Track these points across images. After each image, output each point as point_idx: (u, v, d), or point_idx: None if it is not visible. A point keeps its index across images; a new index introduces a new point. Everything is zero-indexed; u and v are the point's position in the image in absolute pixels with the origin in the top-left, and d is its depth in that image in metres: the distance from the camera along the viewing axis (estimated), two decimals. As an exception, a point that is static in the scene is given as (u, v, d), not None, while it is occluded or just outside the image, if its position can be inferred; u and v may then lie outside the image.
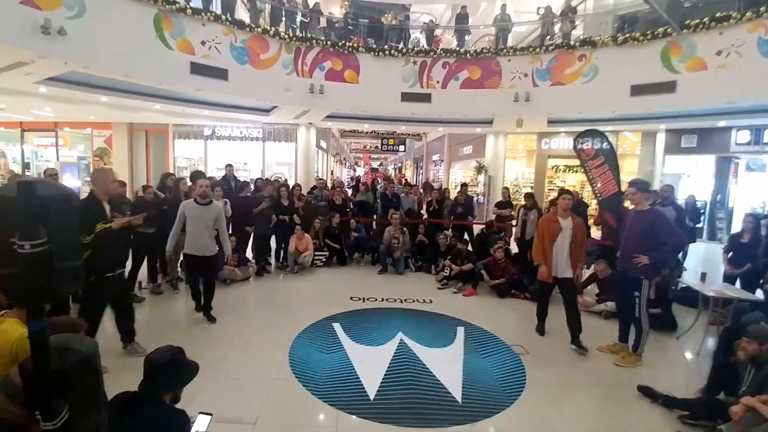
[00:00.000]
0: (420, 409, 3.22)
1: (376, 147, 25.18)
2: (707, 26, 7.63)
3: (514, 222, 7.71)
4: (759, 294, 4.56)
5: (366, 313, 5.22)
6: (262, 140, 13.85)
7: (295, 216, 7.05)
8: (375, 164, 39.36)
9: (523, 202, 7.28)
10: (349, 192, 10.42)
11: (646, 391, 3.36)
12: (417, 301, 5.68)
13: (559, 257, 4.26)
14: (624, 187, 5.30)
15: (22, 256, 0.85)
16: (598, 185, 5.97)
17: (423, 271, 7.20)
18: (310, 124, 13.17)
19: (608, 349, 4.18)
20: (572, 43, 9.35)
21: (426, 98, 10.18)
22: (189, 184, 5.80)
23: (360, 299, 5.65)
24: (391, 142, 19.84)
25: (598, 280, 5.50)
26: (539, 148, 13.59)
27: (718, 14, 7.54)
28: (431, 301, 5.67)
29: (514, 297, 5.88)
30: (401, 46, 10.62)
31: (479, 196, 13.52)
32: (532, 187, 12.92)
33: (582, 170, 6.89)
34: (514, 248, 7.41)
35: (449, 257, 6.67)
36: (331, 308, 5.22)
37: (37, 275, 0.87)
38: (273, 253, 7.32)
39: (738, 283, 4.97)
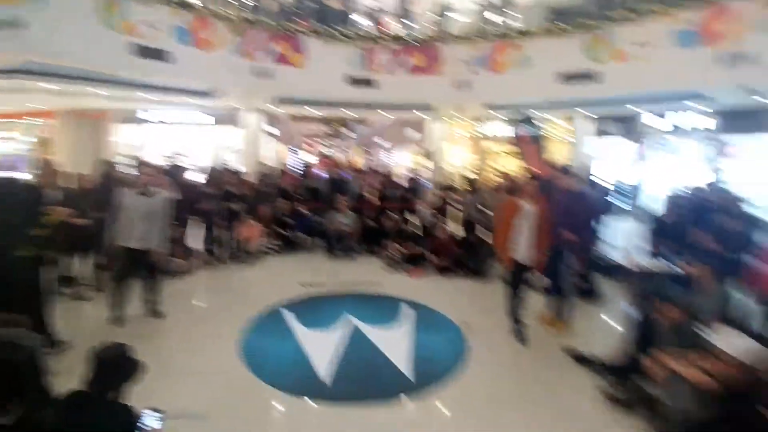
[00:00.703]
0: (372, 387, 3.28)
1: (326, 132, 24.67)
2: (629, 19, 8.13)
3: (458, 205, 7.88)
4: (677, 269, 4.95)
5: (316, 299, 5.16)
6: (207, 125, 13.01)
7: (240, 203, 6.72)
8: (325, 150, 38.52)
9: (466, 187, 7.45)
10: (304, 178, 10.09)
11: (573, 354, 3.62)
12: (366, 284, 5.69)
13: (522, 242, 4.02)
14: (551, 170, 5.51)
15: None
16: (532, 169, 6.23)
17: (372, 254, 7.19)
18: (258, 108, 12.54)
19: (542, 320, 4.44)
20: (508, 33, 9.59)
21: (372, 83, 10.03)
22: (127, 171, 5.34)
23: (310, 285, 5.55)
24: (339, 126, 19.45)
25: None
26: (479, 133, 13.96)
27: (638, 8, 8.06)
28: (380, 284, 5.71)
29: (458, 275, 6.05)
30: (348, 30, 10.32)
31: (425, 181, 13.69)
32: (474, 172, 13.31)
33: (520, 156, 7.17)
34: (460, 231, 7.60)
35: (397, 240, 6.71)
36: (282, 295, 5.10)
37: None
38: (221, 242, 6.94)
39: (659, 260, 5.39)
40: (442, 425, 2.92)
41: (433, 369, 3.55)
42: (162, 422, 1.81)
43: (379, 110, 13.08)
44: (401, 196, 8.08)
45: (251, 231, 6.72)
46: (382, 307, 4.90)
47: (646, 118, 10.95)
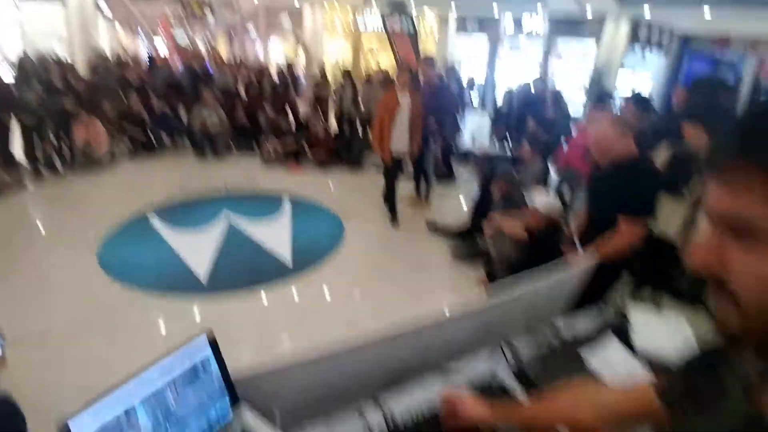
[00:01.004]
0: (253, 278, 3.37)
1: (180, 16, 20.34)
2: None
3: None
4: (509, 151, 5.89)
5: (186, 201, 4.82)
6: (15, 4, 9.55)
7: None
8: (180, 37, 32.21)
9: (341, 80, 7.22)
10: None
11: (432, 226, 4.22)
12: (242, 182, 5.47)
13: (399, 134, 4.12)
14: (421, 64, 5.69)
15: None
16: (405, 61, 6.32)
17: (246, 153, 6.78)
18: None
19: (408, 201, 4.96)
20: None
21: None
22: None
23: (178, 188, 5.11)
24: (196, 8, 16.20)
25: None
26: (355, 25, 13.20)
27: None
28: (257, 181, 5.55)
29: (335, 168, 6.18)
30: None
31: (300, 73, 12.81)
32: (349, 65, 12.86)
33: (393, 49, 7.11)
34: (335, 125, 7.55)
35: (273, 136, 6.41)
36: (145, 202, 4.62)
37: None
38: (55, 148, 5.71)
39: (496, 144, 6.30)
40: (320, 300, 3.23)
41: (312, 254, 3.78)
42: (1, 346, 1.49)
43: None
44: (275, 90, 7.50)
45: (93, 132, 5.64)
46: (260, 204, 4.85)
47: (504, 19, 11.60)
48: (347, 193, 5.37)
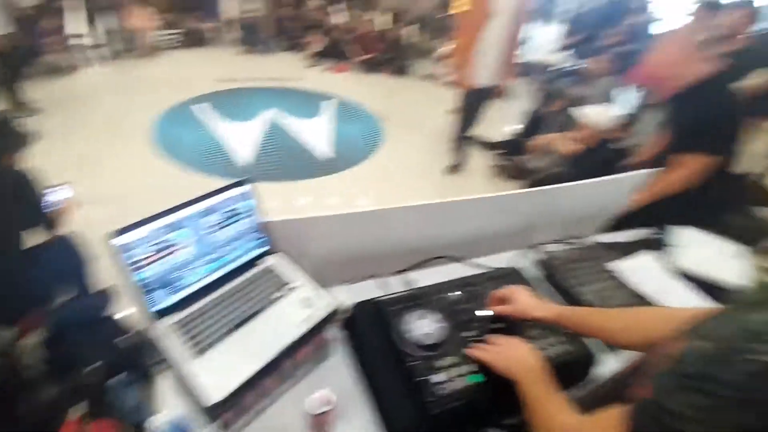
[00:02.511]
0: (293, 169, 3.48)
1: None
2: None
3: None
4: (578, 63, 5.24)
5: (232, 93, 4.84)
6: None
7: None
8: None
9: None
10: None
11: (478, 140, 4.04)
12: (287, 80, 5.36)
13: (490, 55, 2.87)
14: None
15: None
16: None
17: (293, 49, 6.54)
18: None
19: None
20: None
21: None
22: None
23: (225, 80, 5.10)
24: None
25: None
26: None
27: None
28: (301, 79, 5.42)
29: (381, 71, 5.89)
30: None
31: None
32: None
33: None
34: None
35: (319, 33, 6.08)
36: (194, 91, 4.69)
37: None
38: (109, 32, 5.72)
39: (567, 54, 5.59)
40: (361, 188, 3.33)
41: (353, 152, 3.80)
42: (70, 193, 1.69)
43: None
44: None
45: (141, 19, 5.57)
46: (303, 101, 4.80)
47: None
48: (388, 97, 5.17)
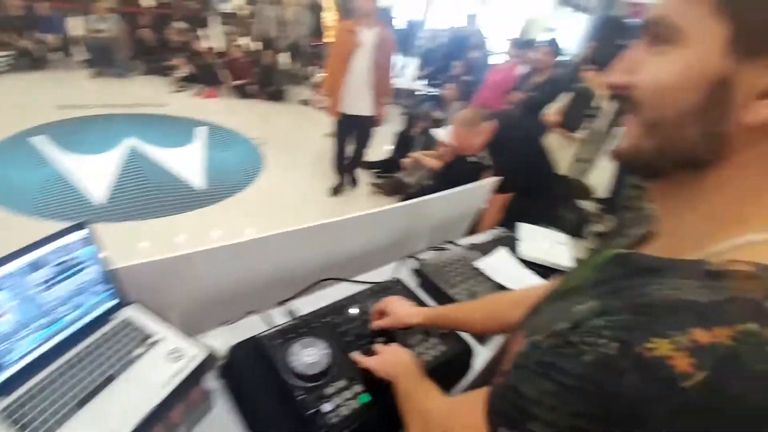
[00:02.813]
0: (161, 202, 3.08)
1: None
2: None
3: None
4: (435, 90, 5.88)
5: (81, 122, 4.12)
6: None
7: None
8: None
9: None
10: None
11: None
12: (148, 105, 4.79)
13: (355, 86, 2.93)
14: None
15: None
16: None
17: (155, 73, 5.90)
18: None
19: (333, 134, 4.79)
20: None
21: None
22: None
23: (70, 107, 4.32)
24: None
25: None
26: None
27: None
28: (166, 105, 4.90)
29: (256, 98, 5.70)
30: None
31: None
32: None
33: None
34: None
35: (185, 56, 5.61)
36: (30, 120, 3.86)
37: None
38: None
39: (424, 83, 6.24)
40: (245, 217, 3.09)
41: (232, 180, 3.54)
42: None
43: None
44: (188, 5, 6.45)
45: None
46: (171, 129, 4.33)
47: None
48: (265, 121, 5.02)
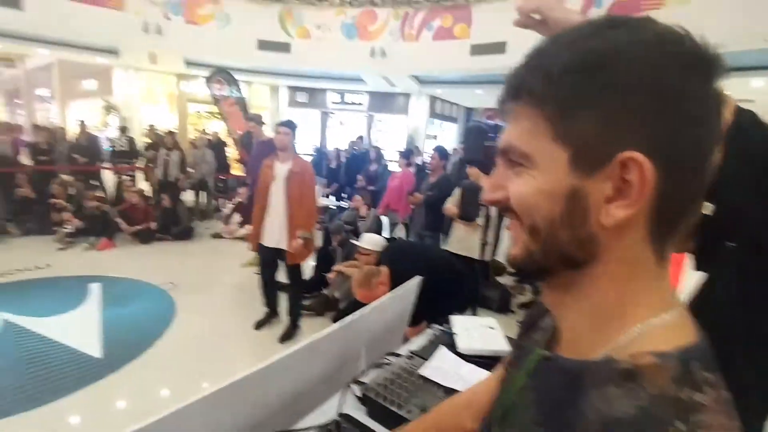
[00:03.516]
0: (46, 384, 2.51)
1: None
2: (310, 2, 9.01)
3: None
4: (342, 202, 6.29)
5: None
6: None
7: None
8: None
9: (166, 144, 6.54)
10: None
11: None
12: (26, 269, 4.21)
13: (272, 219, 2.97)
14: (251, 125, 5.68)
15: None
16: (231, 125, 6.16)
17: (34, 234, 5.34)
18: None
19: (249, 263, 4.62)
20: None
21: (14, 2, 6.97)
22: None
23: None
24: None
25: (240, 208, 5.84)
26: (180, 91, 12.47)
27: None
28: (49, 266, 4.35)
29: (160, 240, 5.41)
30: None
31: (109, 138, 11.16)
32: (173, 130, 11.89)
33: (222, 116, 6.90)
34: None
35: (73, 209, 5.24)
36: None
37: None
38: None
39: (331, 197, 6.66)
40: (159, 376, 2.66)
41: (131, 339, 3.08)
42: None
43: (30, 43, 9.30)
44: (72, 155, 6.28)
45: None
46: (55, 293, 3.77)
47: (329, 93, 12.84)
48: (175, 263, 4.71)
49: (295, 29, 9.38)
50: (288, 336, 3.21)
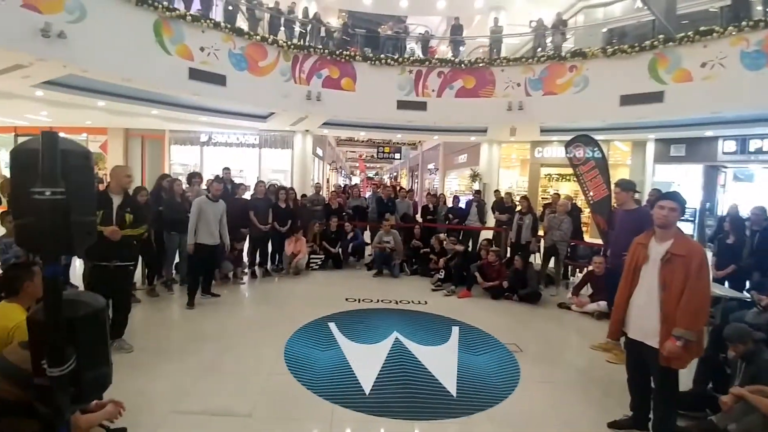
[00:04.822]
0: (415, 402, 3.23)
1: (372, 156, 25.38)
2: (692, 39, 7.89)
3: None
4: (746, 294, 4.65)
5: (361, 314, 5.24)
6: (258, 147, 13.91)
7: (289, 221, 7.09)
8: (371, 173, 39.59)
9: (521, 208, 7.34)
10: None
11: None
12: (412, 302, 5.71)
13: (639, 306, 2.64)
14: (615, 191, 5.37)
15: (42, 203, 0.88)
16: (590, 192, 6.04)
17: (418, 275, 7.24)
18: (307, 131, 13.27)
19: (600, 347, 4.23)
20: (563, 54, 9.59)
21: (421, 106, 10.33)
22: (185, 185, 6.06)
23: (355, 300, 5.67)
24: (386, 150, 20.03)
25: (592, 279, 5.56)
26: (532, 156, 13.79)
27: (702, 28, 7.81)
28: (426, 303, 5.71)
29: (507, 299, 5.93)
30: (397, 55, 10.80)
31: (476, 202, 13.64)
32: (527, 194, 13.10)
33: (574, 178, 6.98)
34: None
35: (444, 261, 6.73)
36: (327, 309, 5.24)
37: (54, 223, 0.90)
38: (269, 255, 7.31)
39: (726, 284, 5.06)
40: None
41: (480, 389, 3.45)
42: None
43: (429, 133, 13.37)
44: (450, 217, 8.15)
45: (298, 246, 7.02)
46: (429, 326, 4.87)
47: (720, 142, 10.34)
48: (520, 326, 4.99)
49: (670, 74, 8.35)
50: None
